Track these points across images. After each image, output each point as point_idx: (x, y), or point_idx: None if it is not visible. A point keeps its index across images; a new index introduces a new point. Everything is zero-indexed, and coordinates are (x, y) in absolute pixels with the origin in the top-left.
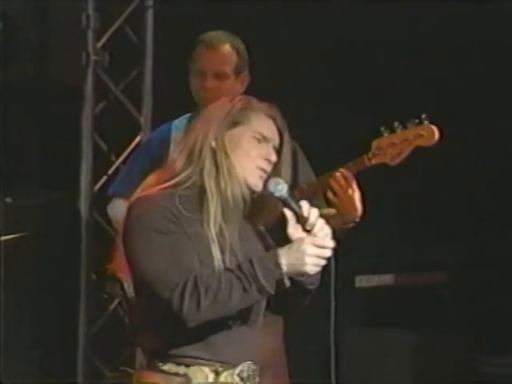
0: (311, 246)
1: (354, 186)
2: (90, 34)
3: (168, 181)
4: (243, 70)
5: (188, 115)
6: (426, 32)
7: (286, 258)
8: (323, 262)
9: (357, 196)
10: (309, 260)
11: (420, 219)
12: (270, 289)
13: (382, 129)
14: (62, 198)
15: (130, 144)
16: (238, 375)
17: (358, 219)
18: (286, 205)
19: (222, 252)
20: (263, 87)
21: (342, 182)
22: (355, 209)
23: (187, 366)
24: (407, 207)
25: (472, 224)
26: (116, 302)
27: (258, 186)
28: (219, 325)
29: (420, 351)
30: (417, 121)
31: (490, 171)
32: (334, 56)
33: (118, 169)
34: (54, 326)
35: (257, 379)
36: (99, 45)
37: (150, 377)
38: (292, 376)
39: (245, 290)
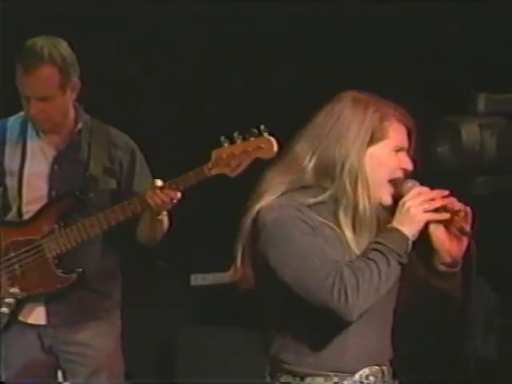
0: (416, 207)
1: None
2: None
3: (296, 188)
4: (70, 79)
5: (22, 113)
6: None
7: (402, 227)
8: (433, 206)
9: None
10: (422, 217)
11: None
12: (405, 257)
13: (222, 139)
14: None
15: None
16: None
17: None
18: None
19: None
20: None
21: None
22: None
23: (302, 378)
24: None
25: None
26: None
27: (388, 201)
28: (329, 334)
29: (256, 349)
30: (256, 131)
31: None
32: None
33: None
34: None
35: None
36: None
37: None
38: (128, 376)
39: (388, 264)
